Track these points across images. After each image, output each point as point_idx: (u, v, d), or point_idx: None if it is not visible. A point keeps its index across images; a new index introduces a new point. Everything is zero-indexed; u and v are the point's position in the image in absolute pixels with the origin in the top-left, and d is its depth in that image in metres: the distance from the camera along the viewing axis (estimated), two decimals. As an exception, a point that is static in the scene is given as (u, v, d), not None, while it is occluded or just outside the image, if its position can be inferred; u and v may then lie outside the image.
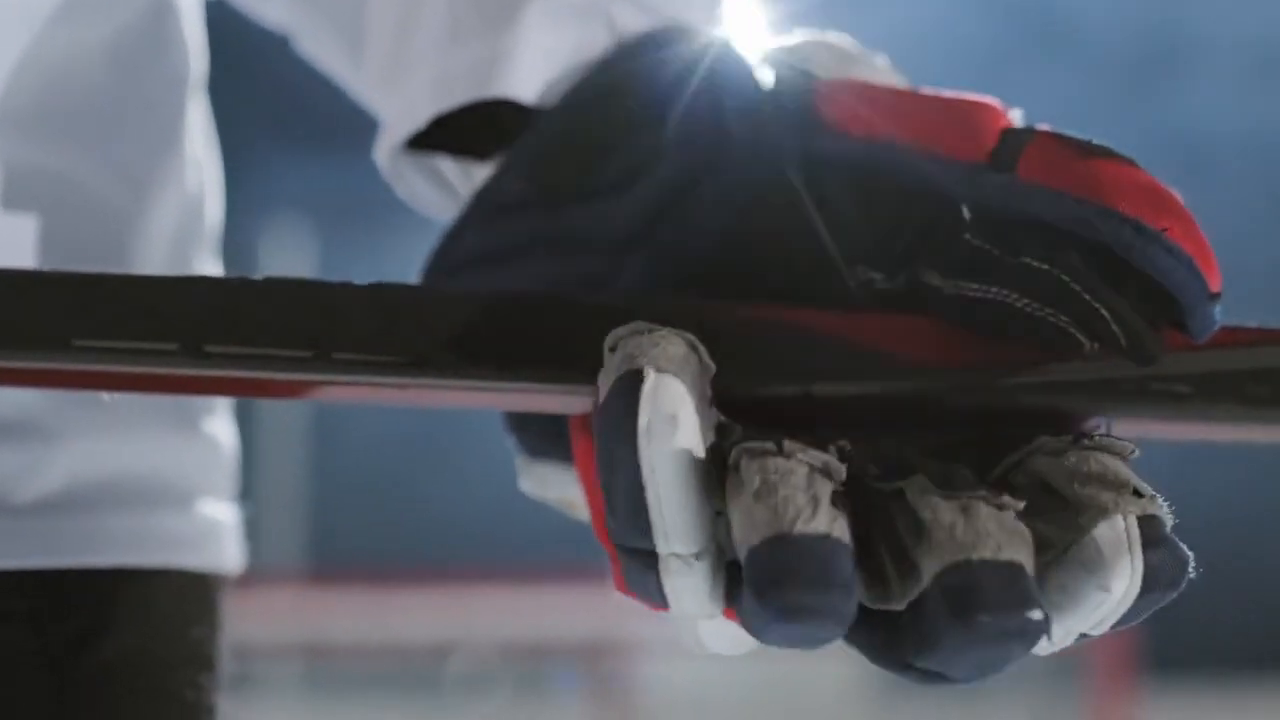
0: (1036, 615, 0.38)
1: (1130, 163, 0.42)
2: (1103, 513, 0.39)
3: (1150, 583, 0.39)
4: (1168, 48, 6.47)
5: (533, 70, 0.52)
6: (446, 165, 0.56)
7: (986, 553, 0.38)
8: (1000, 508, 0.39)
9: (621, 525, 0.40)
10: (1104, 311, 0.41)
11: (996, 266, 0.42)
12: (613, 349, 0.42)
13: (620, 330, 0.42)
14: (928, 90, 0.46)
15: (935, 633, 0.38)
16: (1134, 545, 0.39)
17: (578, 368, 0.45)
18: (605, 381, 0.41)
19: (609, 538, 0.41)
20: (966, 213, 0.43)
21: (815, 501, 0.38)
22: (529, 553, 5.90)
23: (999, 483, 0.41)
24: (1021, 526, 0.39)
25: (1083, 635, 0.41)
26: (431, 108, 0.53)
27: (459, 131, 0.55)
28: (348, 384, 0.45)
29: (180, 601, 0.62)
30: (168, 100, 0.63)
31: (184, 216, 0.63)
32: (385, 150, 0.55)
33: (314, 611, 6.04)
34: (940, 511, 0.39)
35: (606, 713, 5.94)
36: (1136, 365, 0.42)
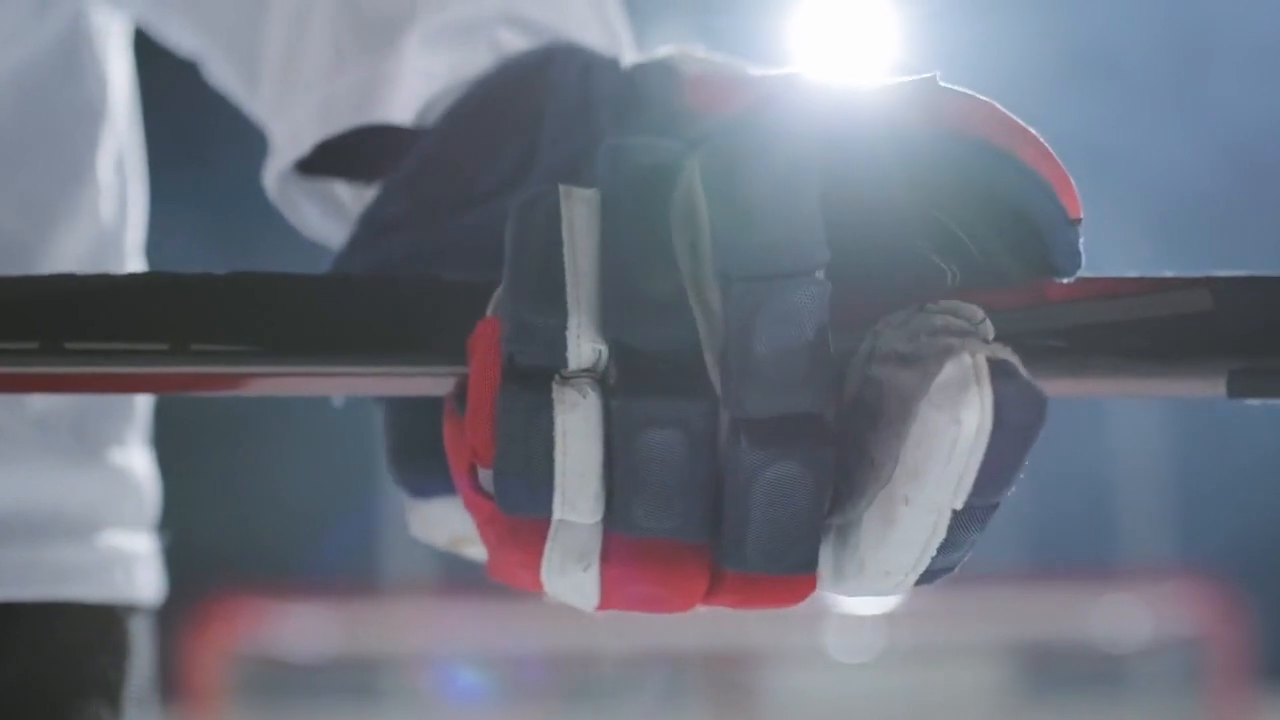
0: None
1: (984, 98, 0.41)
2: (949, 352, 0.38)
3: (1003, 417, 0.37)
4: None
5: (413, 94, 0.53)
6: (341, 189, 0.56)
7: None
8: None
9: (528, 295, 0.39)
10: (954, 227, 0.41)
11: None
12: None
13: None
14: (781, 69, 0.46)
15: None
16: (981, 377, 0.37)
17: (439, 349, 0.43)
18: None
19: (506, 326, 0.39)
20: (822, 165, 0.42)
21: None
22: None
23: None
24: None
25: (966, 521, 0.38)
26: (316, 134, 0.54)
27: (353, 155, 0.55)
28: (207, 376, 0.44)
29: (78, 633, 0.61)
30: (77, 131, 0.62)
31: (94, 246, 0.63)
32: (273, 175, 0.55)
33: (443, 622, 6.08)
34: None
35: (732, 724, 5.92)
36: (994, 284, 0.41)
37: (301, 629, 5.58)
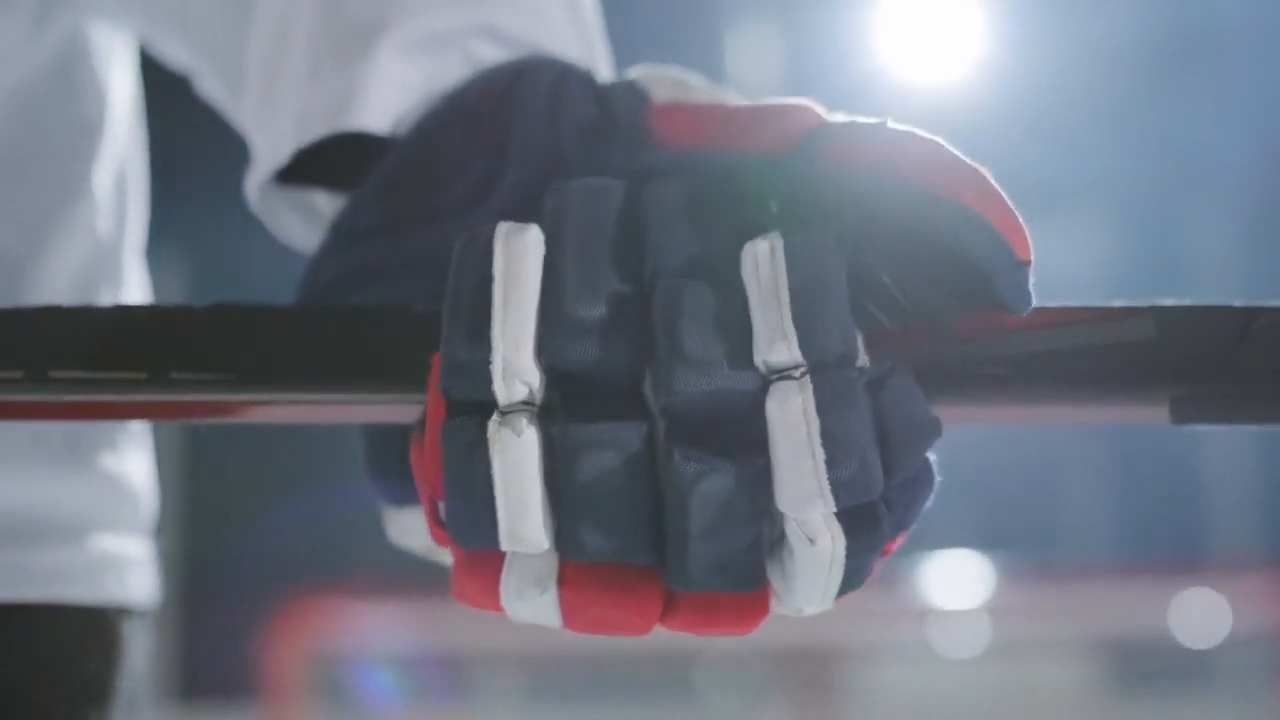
0: None
1: (933, 142, 0.41)
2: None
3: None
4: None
5: (387, 103, 0.53)
6: (321, 199, 0.56)
7: None
8: None
9: (456, 332, 0.40)
10: (885, 278, 0.41)
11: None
12: None
13: None
14: (750, 102, 0.46)
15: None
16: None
17: (409, 378, 0.44)
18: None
19: (441, 380, 0.40)
20: (775, 208, 0.42)
21: None
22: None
23: None
24: None
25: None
26: (293, 143, 0.54)
27: (332, 164, 0.56)
28: (186, 403, 0.46)
29: (67, 636, 0.62)
30: (74, 147, 0.63)
31: (90, 260, 0.63)
32: (253, 186, 0.56)
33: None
34: None
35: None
36: (929, 334, 0.41)
37: (381, 628, 5.61)
